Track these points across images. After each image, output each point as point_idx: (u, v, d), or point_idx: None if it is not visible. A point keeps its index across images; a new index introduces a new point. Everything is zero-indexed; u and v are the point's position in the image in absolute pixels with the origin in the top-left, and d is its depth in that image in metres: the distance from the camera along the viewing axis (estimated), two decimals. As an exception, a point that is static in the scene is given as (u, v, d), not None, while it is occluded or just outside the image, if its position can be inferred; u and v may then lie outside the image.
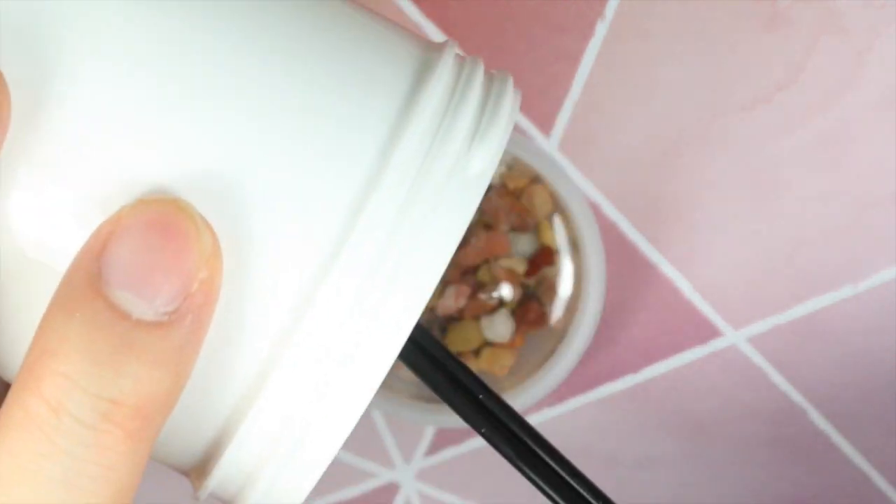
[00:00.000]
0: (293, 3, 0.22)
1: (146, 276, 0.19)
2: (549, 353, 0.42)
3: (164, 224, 0.19)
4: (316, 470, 0.21)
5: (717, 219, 0.43)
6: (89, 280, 0.19)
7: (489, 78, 0.23)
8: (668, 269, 0.44)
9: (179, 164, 0.20)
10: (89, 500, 0.19)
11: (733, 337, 0.44)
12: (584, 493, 0.26)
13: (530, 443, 0.27)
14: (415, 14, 0.43)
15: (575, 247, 0.41)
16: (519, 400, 0.41)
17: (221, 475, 0.22)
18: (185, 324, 0.19)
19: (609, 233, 0.44)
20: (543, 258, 0.41)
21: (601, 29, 0.42)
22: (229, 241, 0.20)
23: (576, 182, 0.43)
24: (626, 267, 0.44)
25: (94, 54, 0.20)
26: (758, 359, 0.44)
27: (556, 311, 0.41)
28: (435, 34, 0.43)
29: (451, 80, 0.22)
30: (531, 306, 0.42)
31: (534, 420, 0.46)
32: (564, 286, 0.42)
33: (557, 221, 0.41)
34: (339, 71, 0.21)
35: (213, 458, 0.22)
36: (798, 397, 0.44)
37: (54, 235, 0.20)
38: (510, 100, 0.23)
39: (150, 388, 0.19)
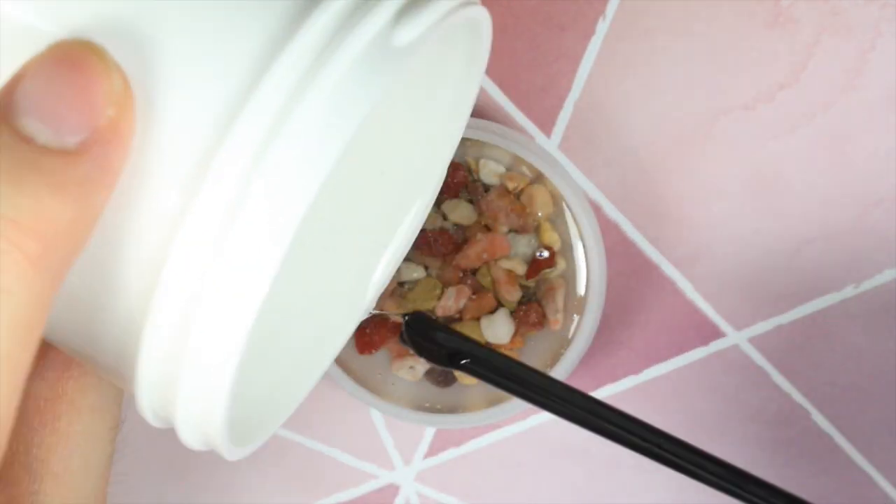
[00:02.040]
0: None
1: (52, 105, 0.20)
2: (550, 355, 0.41)
3: (72, 60, 0.20)
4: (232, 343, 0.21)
5: (719, 218, 0.43)
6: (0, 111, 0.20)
7: None
8: (669, 269, 0.44)
9: (93, 11, 0.20)
10: None
11: (735, 337, 0.44)
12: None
13: None
14: (414, 13, 0.43)
15: (576, 247, 0.41)
16: (520, 401, 0.41)
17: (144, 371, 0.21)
18: (90, 156, 0.20)
19: (610, 233, 0.43)
20: (544, 259, 0.41)
21: (602, 28, 0.42)
22: (138, 92, 0.20)
23: (576, 182, 0.43)
24: (627, 267, 0.44)
25: None
26: (760, 359, 0.44)
27: (557, 313, 0.41)
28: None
29: None
30: (531, 307, 0.41)
31: (535, 421, 0.45)
32: (565, 287, 0.41)
33: (558, 222, 0.41)
34: None
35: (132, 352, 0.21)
36: (800, 398, 0.44)
37: None
38: None
39: (52, 214, 0.19)
